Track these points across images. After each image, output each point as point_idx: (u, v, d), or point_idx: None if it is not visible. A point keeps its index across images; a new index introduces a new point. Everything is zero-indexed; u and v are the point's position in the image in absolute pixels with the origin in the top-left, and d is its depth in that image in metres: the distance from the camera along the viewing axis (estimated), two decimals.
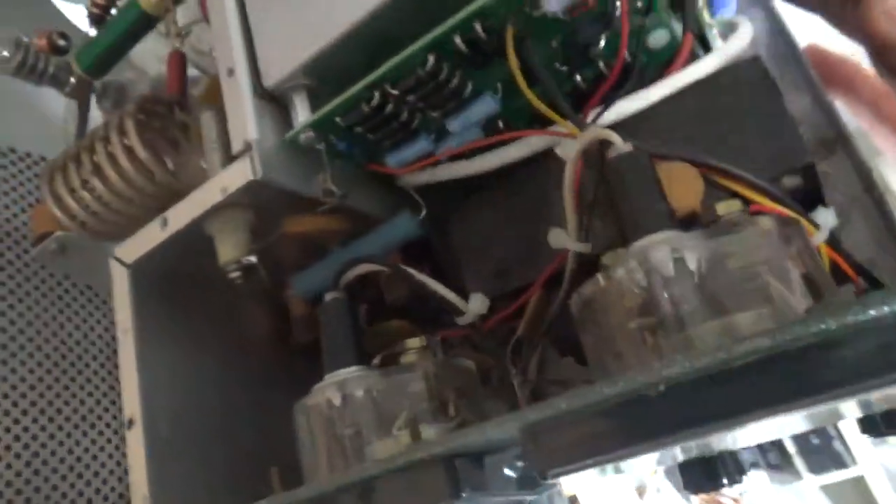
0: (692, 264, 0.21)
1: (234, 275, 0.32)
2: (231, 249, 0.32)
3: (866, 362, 0.16)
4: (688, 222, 0.25)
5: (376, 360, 0.32)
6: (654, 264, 0.21)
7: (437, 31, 0.27)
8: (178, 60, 0.38)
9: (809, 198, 0.28)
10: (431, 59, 0.28)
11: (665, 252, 0.21)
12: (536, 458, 0.21)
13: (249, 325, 0.39)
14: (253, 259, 0.32)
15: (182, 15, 0.41)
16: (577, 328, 0.24)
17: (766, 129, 0.28)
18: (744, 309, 0.21)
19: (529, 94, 0.28)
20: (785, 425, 0.23)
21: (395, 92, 0.29)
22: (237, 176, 0.29)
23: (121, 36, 0.41)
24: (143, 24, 0.41)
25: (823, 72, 0.37)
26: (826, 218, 0.27)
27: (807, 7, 0.31)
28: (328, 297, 0.30)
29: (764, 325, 0.21)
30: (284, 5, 0.31)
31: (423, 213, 0.34)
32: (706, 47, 0.34)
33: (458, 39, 0.27)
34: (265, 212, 0.33)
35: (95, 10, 0.44)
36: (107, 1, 0.44)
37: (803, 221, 0.26)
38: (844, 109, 0.39)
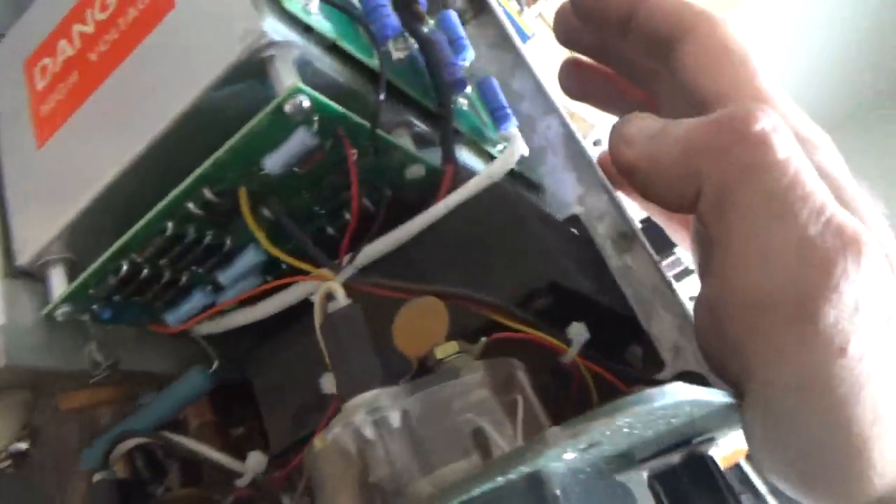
0: (395, 422, 0.21)
1: (4, 464, 0.30)
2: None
3: None
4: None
5: None
6: (358, 426, 0.21)
7: (166, 200, 0.27)
8: None
9: (565, 315, 0.28)
10: (170, 224, 0.27)
11: (363, 414, 0.21)
12: None
13: None
14: (22, 446, 0.30)
15: None
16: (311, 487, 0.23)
17: (511, 254, 0.29)
18: (456, 460, 0.21)
19: (271, 249, 0.28)
20: None
21: (140, 260, 0.28)
22: None
23: None
24: None
25: (611, 176, 0.39)
26: (577, 332, 0.27)
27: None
28: (95, 478, 0.28)
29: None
30: (35, 184, 0.31)
31: (215, 364, 0.33)
32: None
33: (191, 205, 0.27)
34: (42, 389, 0.31)
35: None
36: None
37: (554, 341, 0.27)
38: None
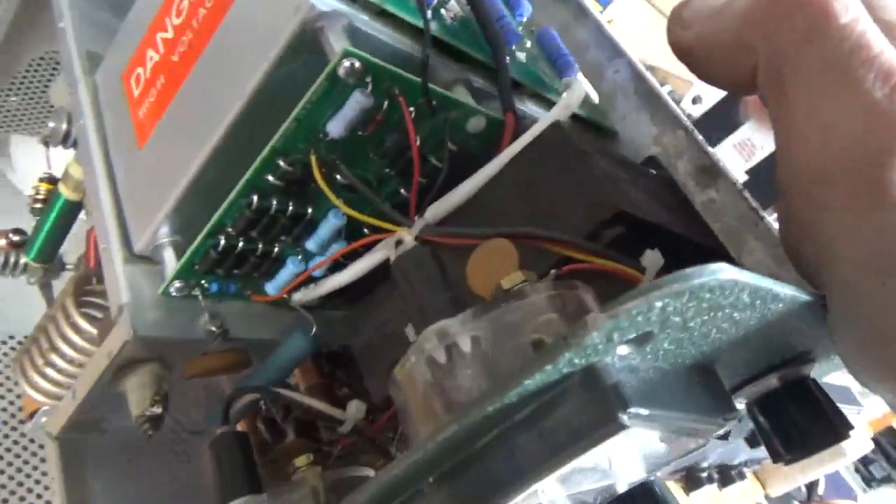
0: (465, 347, 0.22)
1: (144, 429, 0.34)
2: (137, 405, 0.34)
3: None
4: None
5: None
6: (430, 352, 0.22)
7: (247, 175, 0.29)
8: (95, 238, 0.42)
9: (638, 244, 0.28)
10: (255, 198, 0.30)
11: (434, 341, 0.22)
12: None
13: (199, 472, 0.41)
14: (157, 411, 0.34)
15: None
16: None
17: (576, 189, 0.29)
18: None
19: (348, 211, 0.30)
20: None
21: (234, 233, 0.31)
22: (117, 339, 0.32)
23: (53, 225, 0.46)
24: (70, 210, 0.46)
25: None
26: (651, 259, 0.27)
27: None
28: (217, 432, 0.31)
29: None
30: (140, 178, 0.34)
31: (314, 329, 0.36)
32: None
33: (270, 177, 0.29)
34: (169, 358, 0.35)
35: (36, 206, 0.49)
36: (45, 194, 0.49)
37: (626, 270, 0.27)
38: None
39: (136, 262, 0.34)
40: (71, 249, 0.55)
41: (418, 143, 0.31)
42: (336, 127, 0.28)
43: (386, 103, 0.29)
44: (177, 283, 0.33)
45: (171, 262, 0.33)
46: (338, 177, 0.31)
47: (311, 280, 0.36)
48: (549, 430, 0.17)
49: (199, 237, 0.31)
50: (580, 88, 0.36)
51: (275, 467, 0.32)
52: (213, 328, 0.33)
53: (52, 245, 0.48)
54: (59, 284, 0.54)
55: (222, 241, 0.31)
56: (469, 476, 0.20)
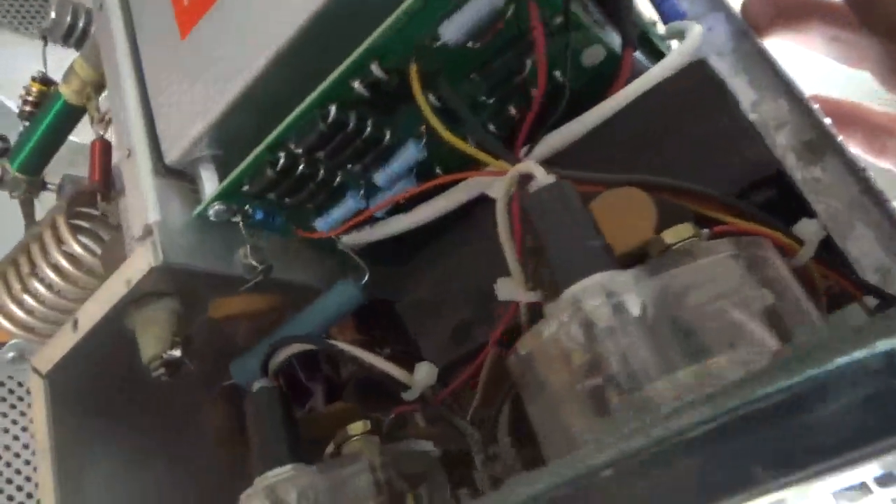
0: (634, 309, 0.17)
1: (158, 373, 0.28)
2: (152, 345, 0.29)
3: (847, 423, 0.12)
4: (640, 260, 0.21)
5: (329, 450, 0.28)
6: (589, 313, 0.17)
7: (332, 77, 0.24)
8: (101, 149, 0.36)
9: (788, 210, 0.24)
10: (333, 109, 0.25)
11: (600, 298, 0.17)
12: None
13: (202, 424, 0.36)
14: (176, 353, 0.28)
15: (106, 102, 0.39)
16: (519, 392, 0.20)
17: (722, 140, 0.24)
18: (710, 355, 0.17)
19: (449, 137, 0.25)
20: None
21: (299, 151, 0.26)
22: (139, 264, 0.26)
23: (47, 131, 0.40)
24: (68, 117, 0.39)
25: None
26: (811, 230, 0.23)
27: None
28: (254, 386, 0.26)
29: (735, 372, 0.17)
30: (179, 76, 0.28)
31: (366, 277, 0.31)
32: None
33: (357, 84, 0.24)
34: (191, 296, 0.30)
35: (27, 108, 0.42)
36: (37, 97, 0.42)
37: (784, 238, 0.22)
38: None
39: (167, 176, 0.28)
40: (52, 168, 0.48)
41: (528, 67, 0.27)
42: (453, 30, 0.23)
43: (512, 10, 0.23)
44: (217, 206, 0.27)
45: (210, 179, 0.28)
46: (430, 97, 0.26)
47: (367, 222, 0.31)
48: (816, 425, 0.13)
49: (258, 150, 0.26)
50: (697, 31, 0.31)
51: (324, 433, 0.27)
52: (255, 263, 0.28)
53: (41, 155, 0.41)
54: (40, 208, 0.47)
55: (282, 159, 0.26)
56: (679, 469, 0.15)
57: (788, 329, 0.15)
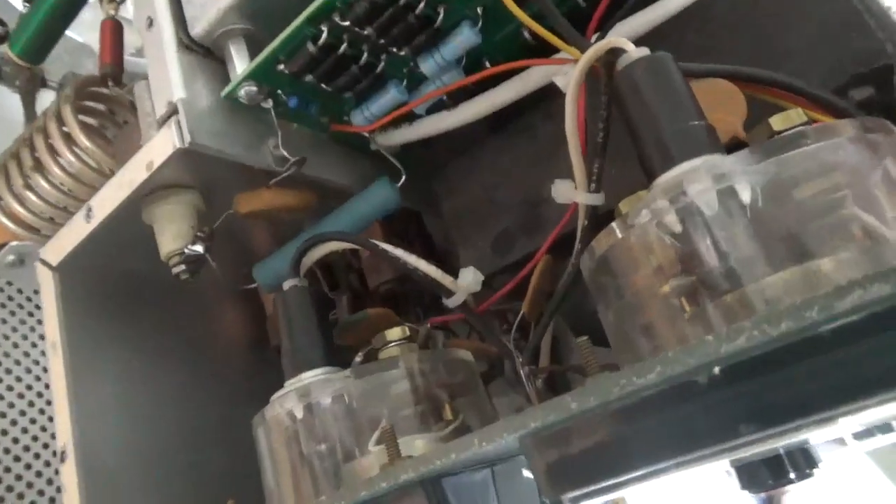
0: (745, 196, 0.15)
1: (178, 269, 0.26)
2: (172, 239, 0.26)
3: None
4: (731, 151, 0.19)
5: (358, 358, 0.26)
6: (693, 199, 0.15)
7: None
8: (112, 29, 0.33)
9: (886, 113, 0.22)
10: None
11: (706, 182, 0.15)
12: (546, 480, 0.15)
13: (217, 329, 0.34)
14: (199, 249, 0.26)
15: None
16: (592, 298, 0.18)
17: (821, 28, 0.22)
18: (821, 254, 0.15)
19: (520, 13, 0.22)
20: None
21: (346, 24, 0.23)
22: (163, 146, 0.24)
23: (51, 11, 0.36)
24: None
25: None
26: None
27: None
28: (286, 285, 0.24)
29: (852, 272, 0.15)
30: None
31: (403, 178, 0.28)
32: None
33: None
34: (212, 191, 0.28)
35: None
36: None
37: None
38: None
39: (192, 52, 0.25)
40: (52, 68, 0.45)
41: None
42: None
43: None
44: (249, 85, 0.24)
45: (241, 56, 0.25)
46: None
47: (405, 119, 0.28)
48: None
49: (298, 21, 0.23)
50: None
51: (352, 339, 0.25)
52: (287, 154, 0.26)
53: (45, 38, 0.38)
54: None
55: (325, 33, 0.23)
56: (766, 382, 0.13)
57: None
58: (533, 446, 0.15)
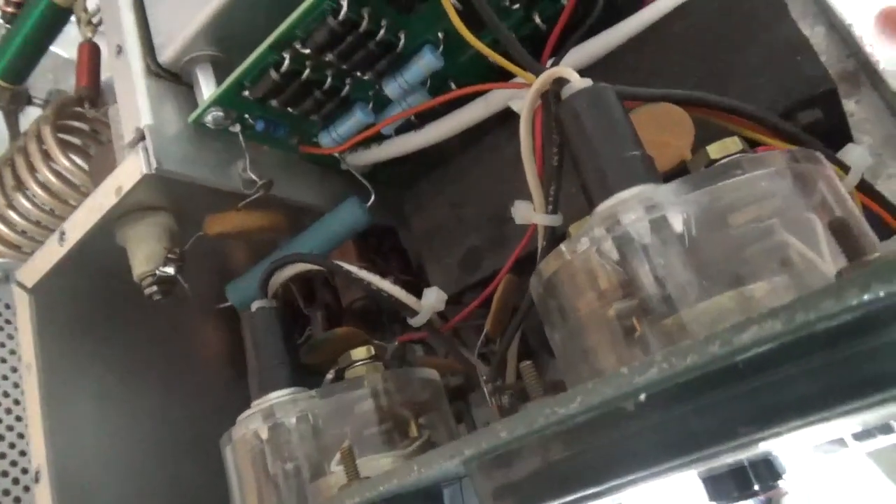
0: (678, 225, 0.16)
1: (150, 290, 0.27)
2: (144, 261, 0.27)
3: None
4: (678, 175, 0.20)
5: (329, 376, 0.27)
6: (627, 229, 0.16)
7: None
8: (89, 51, 0.34)
9: (832, 135, 0.22)
10: (345, 4, 0.22)
11: (639, 211, 0.16)
12: (492, 503, 0.15)
13: (193, 346, 0.34)
14: (170, 271, 0.27)
15: (95, 2, 0.36)
16: (541, 318, 0.19)
17: (771, 54, 0.22)
18: (754, 279, 0.16)
19: (474, 42, 0.23)
20: (820, 431, 0.17)
21: (307, 52, 0.23)
22: (131, 172, 0.24)
23: (31, 33, 0.37)
24: (54, 18, 0.37)
25: None
26: (858, 156, 0.21)
27: None
28: (254, 306, 0.25)
29: (784, 297, 0.15)
30: None
31: (372, 198, 0.29)
32: None
33: None
34: (184, 212, 0.28)
35: (9, 10, 0.39)
36: None
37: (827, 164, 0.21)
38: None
39: (161, 78, 0.26)
40: (38, 84, 0.46)
41: None
42: None
43: None
44: (215, 111, 0.25)
45: (208, 82, 0.26)
46: None
47: (373, 140, 0.29)
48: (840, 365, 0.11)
49: (260, 48, 0.23)
50: None
51: (323, 358, 0.26)
52: (255, 177, 0.26)
53: (26, 59, 0.39)
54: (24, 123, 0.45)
55: (287, 61, 0.24)
56: (691, 408, 0.14)
57: (854, 248, 0.14)
58: (477, 470, 0.16)
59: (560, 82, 0.19)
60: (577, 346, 0.18)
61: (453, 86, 0.28)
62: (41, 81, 0.47)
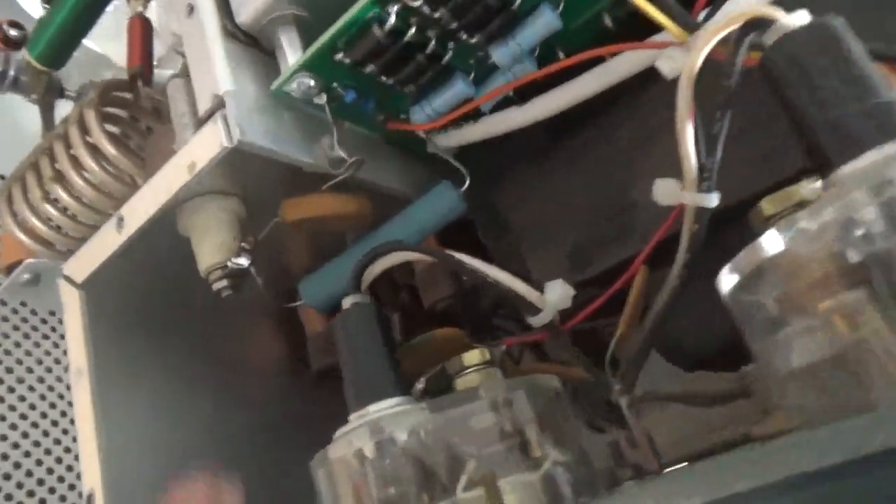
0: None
1: (220, 285, 0.23)
2: (213, 252, 0.23)
3: None
4: None
5: (419, 386, 0.23)
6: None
7: None
8: (140, 27, 0.31)
9: None
10: None
11: None
12: None
13: (255, 352, 0.31)
14: (243, 262, 0.23)
15: None
16: (737, 323, 0.15)
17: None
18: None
19: None
20: None
21: (417, 4, 0.20)
22: (207, 145, 0.21)
23: (72, 12, 0.34)
24: None
25: None
26: None
27: None
28: (347, 302, 0.21)
29: None
30: None
31: (467, 183, 0.26)
32: None
33: None
34: (256, 196, 0.25)
35: None
36: None
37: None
38: None
39: (237, 41, 0.23)
40: (70, 79, 0.43)
41: None
42: None
43: None
44: (302, 77, 0.22)
45: (293, 45, 0.22)
46: None
47: (468, 117, 0.25)
48: None
49: (358, 5, 0.20)
50: None
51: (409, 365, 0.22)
52: (345, 155, 0.23)
53: (65, 41, 0.35)
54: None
55: (393, 17, 0.20)
56: None
57: None
58: None
59: (760, 24, 0.15)
60: (790, 361, 0.14)
61: (562, 55, 0.25)
62: (73, 75, 0.44)
